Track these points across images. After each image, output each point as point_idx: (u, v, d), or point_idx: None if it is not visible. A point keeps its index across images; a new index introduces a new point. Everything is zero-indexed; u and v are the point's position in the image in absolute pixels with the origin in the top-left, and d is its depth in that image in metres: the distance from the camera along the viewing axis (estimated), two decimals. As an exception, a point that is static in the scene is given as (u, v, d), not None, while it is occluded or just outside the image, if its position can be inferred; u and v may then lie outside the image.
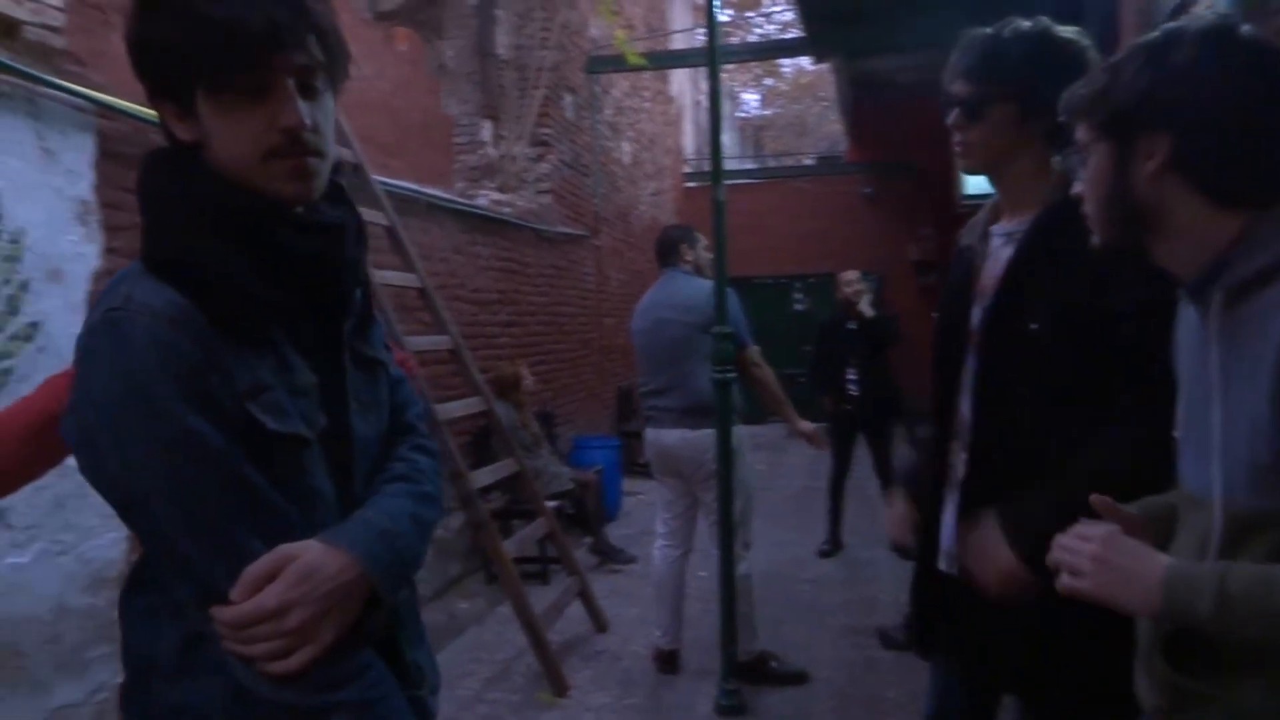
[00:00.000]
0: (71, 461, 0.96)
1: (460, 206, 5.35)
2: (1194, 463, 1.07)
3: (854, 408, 5.19)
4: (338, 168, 1.04)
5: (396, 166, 4.92)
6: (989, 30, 1.45)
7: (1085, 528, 1.06)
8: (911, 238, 10.59)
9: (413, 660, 1.10)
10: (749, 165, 18.94)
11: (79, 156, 2.61)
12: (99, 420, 0.88)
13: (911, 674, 3.27)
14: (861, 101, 9.72)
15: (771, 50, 11.37)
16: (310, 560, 0.90)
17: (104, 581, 2.59)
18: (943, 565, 1.61)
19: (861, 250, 10.47)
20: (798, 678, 3.50)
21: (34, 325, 2.44)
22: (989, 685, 1.63)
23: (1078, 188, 1.12)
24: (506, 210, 6.13)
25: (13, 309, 2.40)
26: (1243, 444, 0.97)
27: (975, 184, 7.15)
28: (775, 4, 18.71)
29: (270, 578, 0.89)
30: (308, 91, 0.94)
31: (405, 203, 4.54)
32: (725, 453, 3.10)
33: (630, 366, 3.74)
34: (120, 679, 1.02)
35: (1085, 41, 1.42)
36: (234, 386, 0.90)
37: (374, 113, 4.82)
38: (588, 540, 5.37)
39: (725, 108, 18.96)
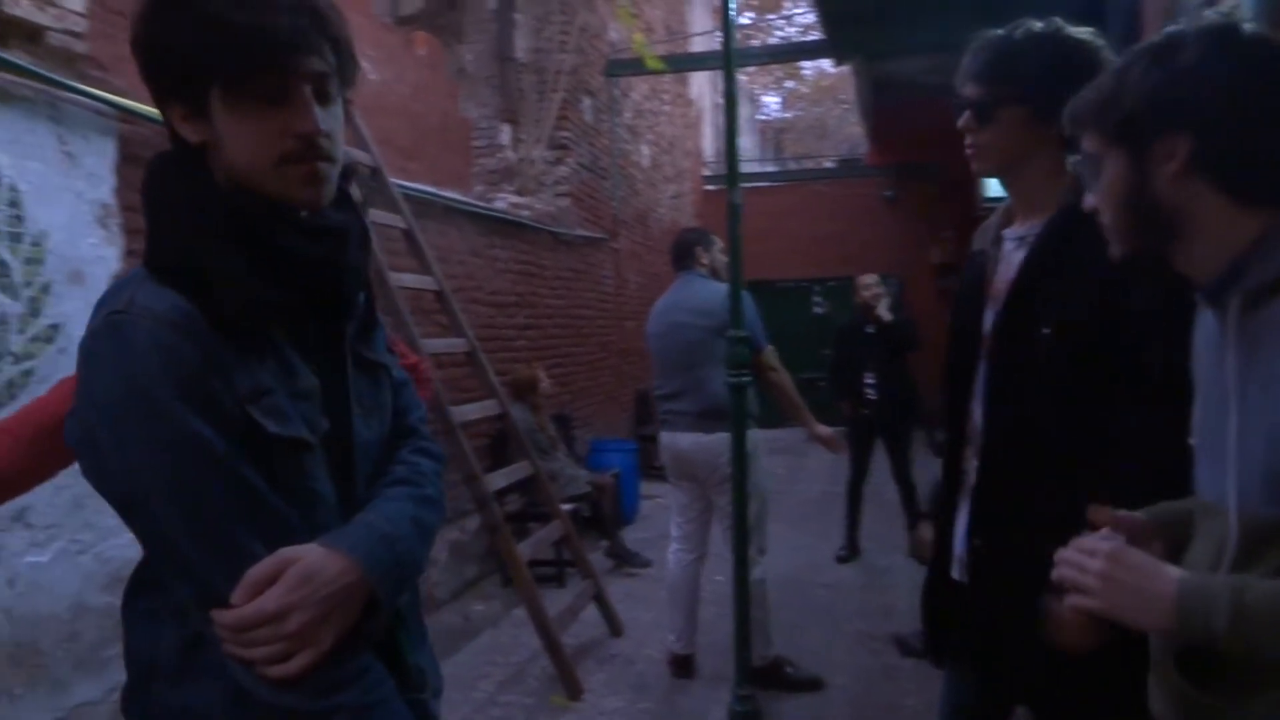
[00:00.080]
0: (85, 462, 0.97)
1: (478, 209, 5.38)
2: (1210, 471, 1.05)
3: (872, 412, 5.16)
4: (344, 173, 1.04)
5: (415, 170, 4.95)
6: (1001, 32, 1.43)
7: (1089, 542, 1.03)
8: (932, 240, 10.51)
9: (414, 663, 1.10)
10: (769, 168, 18.90)
11: (100, 160, 2.64)
12: (100, 422, 0.89)
13: (928, 682, 3.23)
14: (882, 104, 9.66)
15: (790, 53, 11.36)
16: (310, 564, 0.90)
17: (122, 581, 2.58)
18: (955, 573, 1.59)
19: (881, 253, 10.41)
20: (813, 684, 3.48)
21: (55, 327, 2.48)
22: (1001, 695, 1.61)
23: (1089, 200, 1.09)
24: (524, 213, 6.14)
25: (34, 311, 2.44)
26: (1259, 452, 0.95)
27: (997, 186, 7.08)
28: (796, 6, 18.66)
29: (270, 581, 0.89)
30: (321, 98, 0.95)
31: (423, 206, 4.56)
32: (740, 457, 3.08)
33: (648, 370, 3.74)
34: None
35: (1099, 42, 1.39)
36: (235, 390, 0.90)
37: (393, 116, 4.85)
38: (604, 543, 5.37)
39: (745, 110, 18.96)
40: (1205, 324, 1.08)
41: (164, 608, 0.97)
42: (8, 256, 2.36)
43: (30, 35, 2.51)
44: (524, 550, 3.69)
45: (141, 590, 1.00)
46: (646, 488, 6.91)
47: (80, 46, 2.62)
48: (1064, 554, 1.05)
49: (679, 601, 3.59)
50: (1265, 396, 0.94)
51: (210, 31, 0.88)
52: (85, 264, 2.58)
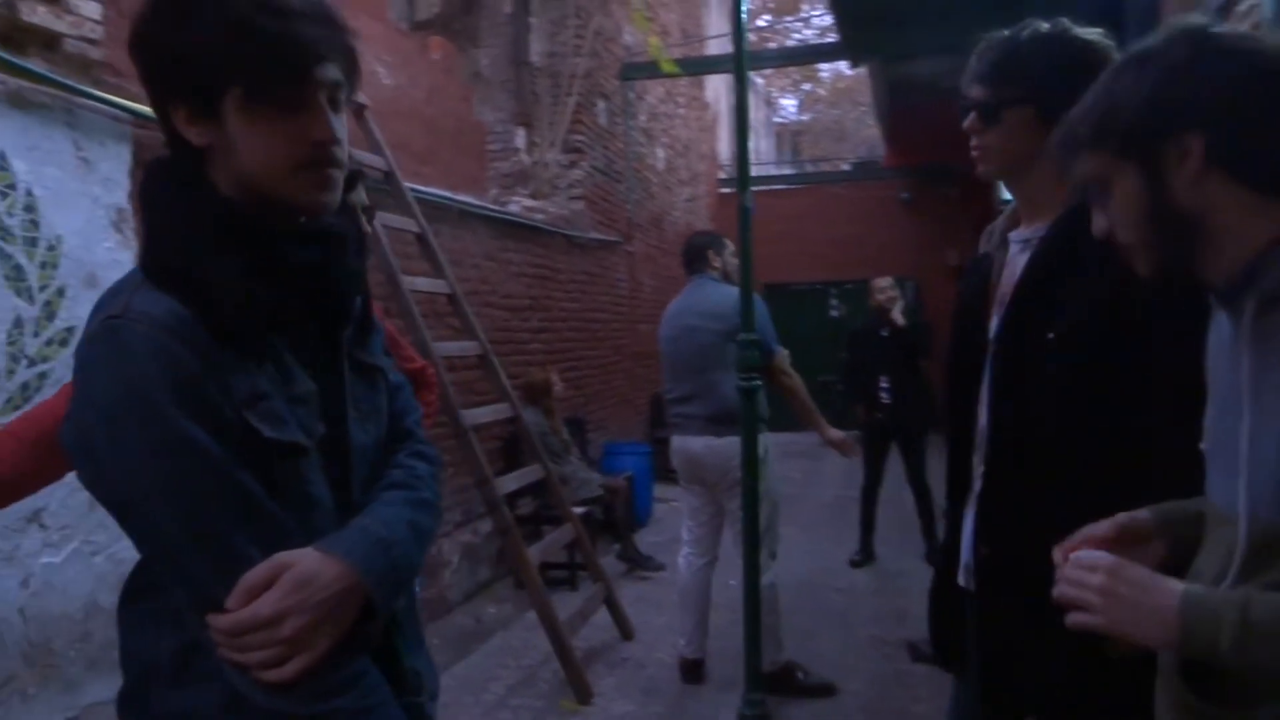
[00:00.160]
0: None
1: (492, 213, 5.40)
2: (1221, 476, 1.03)
3: (887, 416, 5.13)
4: (349, 179, 1.05)
5: (429, 174, 4.97)
6: (1007, 33, 1.42)
7: (1089, 557, 1.02)
8: (949, 243, 10.44)
9: (411, 666, 1.10)
10: (786, 171, 18.84)
11: (115, 165, 2.67)
12: (97, 427, 0.89)
13: (941, 688, 3.18)
14: (898, 106, 9.61)
15: (805, 55, 11.33)
16: (306, 568, 0.91)
17: (135, 582, 2.64)
18: (961, 579, 1.58)
19: (898, 256, 10.37)
20: (824, 690, 3.46)
21: (69, 330, 2.51)
22: (1008, 703, 1.59)
23: (1099, 225, 1.06)
24: (539, 216, 6.16)
25: (49, 314, 2.47)
26: (1271, 457, 0.93)
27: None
28: (814, 9, 18.62)
29: (266, 586, 0.89)
30: (333, 105, 0.96)
31: (437, 209, 4.58)
32: (750, 461, 3.07)
33: (662, 373, 3.75)
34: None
35: (1107, 43, 1.37)
36: (232, 395, 0.90)
37: (407, 120, 4.88)
38: (616, 547, 5.36)
39: (762, 113, 18.92)
40: (1220, 327, 1.06)
41: (161, 612, 0.97)
42: (24, 261, 2.39)
43: (47, 43, 2.54)
44: (534, 553, 3.70)
45: (138, 594, 1.01)
46: (660, 491, 6.90)
47: (96, 53, 2.65)
48: (1064, 571, 1.04)
49: (690, 606, 3.58)
50: (1278, 401, 0.92)
51: (237, 37, 0.89)
52: (100, 268, 2.61)
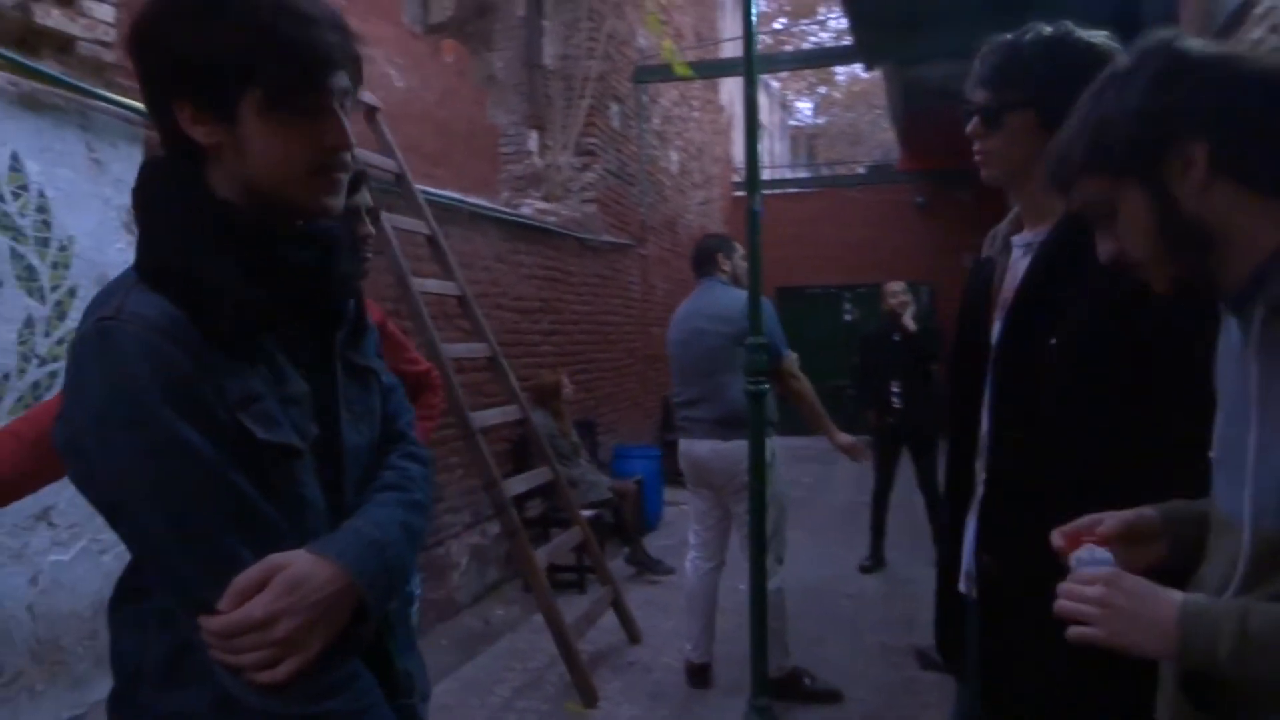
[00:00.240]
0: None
1: (503, 215, 5.41)
2: (1228, 485, 1.02)
3: (897, 421, 5.10)
4: (352, 181, 1.06)
5: (442, 176, 4.99)
6: (1009, 36, 1.41)
7: (1087, 571, 1.02)
8: (963, 247, 10.37)
9: (403, 668, 1.10)
10: (802, 174, 18.80)
11: (127, 166, 2.69)
12: (89, 427, 0.89)
13: (949, 696, 3.18)
14: (913, 109, 9.56)
15: (818, 58, 11.27)
16: (298, 570, 0.91)
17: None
18: (962, 586, 1.57)
19: (912, 260, 10.32)
20: (831, 696, 3.44)
21: (80, 330, 2.53)
22: (1009, 709, 1.57)
23: (1106, 251, 1.04)
24: (550, 219, 6.17)
25: (60, 314, 2.49)
26: (1277, 467, 0.92)
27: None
28: (831, 12, 18.56)
29: (258, 587, 0.89)
30: (342, 112, 0.98)
31: (448, 212, 4.59)
32: (757, 465, 3.06)
33: (674, 376, 3.77)
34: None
35: (1111, 45, 1.36)
36: (225, 396, 0.90)
37: (420, 123, 4.90)
38: (626, 550, 5.36)
39: (778, 116, 18.88)
40: (1229, 334, 1.05)
41: (151, 613, 0.97)
42: (35, 261, 2.42)
43: (61, 45, 2.57)
44: (542, 556, 3.70)
45: (129, 596, 1.01)
46: (670, 494, 6.89)
47: (109, 55, 2.68)
48: (1063, 586, 1.03)
49: (696, 610, 3.57)
50: None
51: (260, 40, 0.90)
52: (111, 269, 2.63)
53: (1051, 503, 1.37)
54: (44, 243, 2.44)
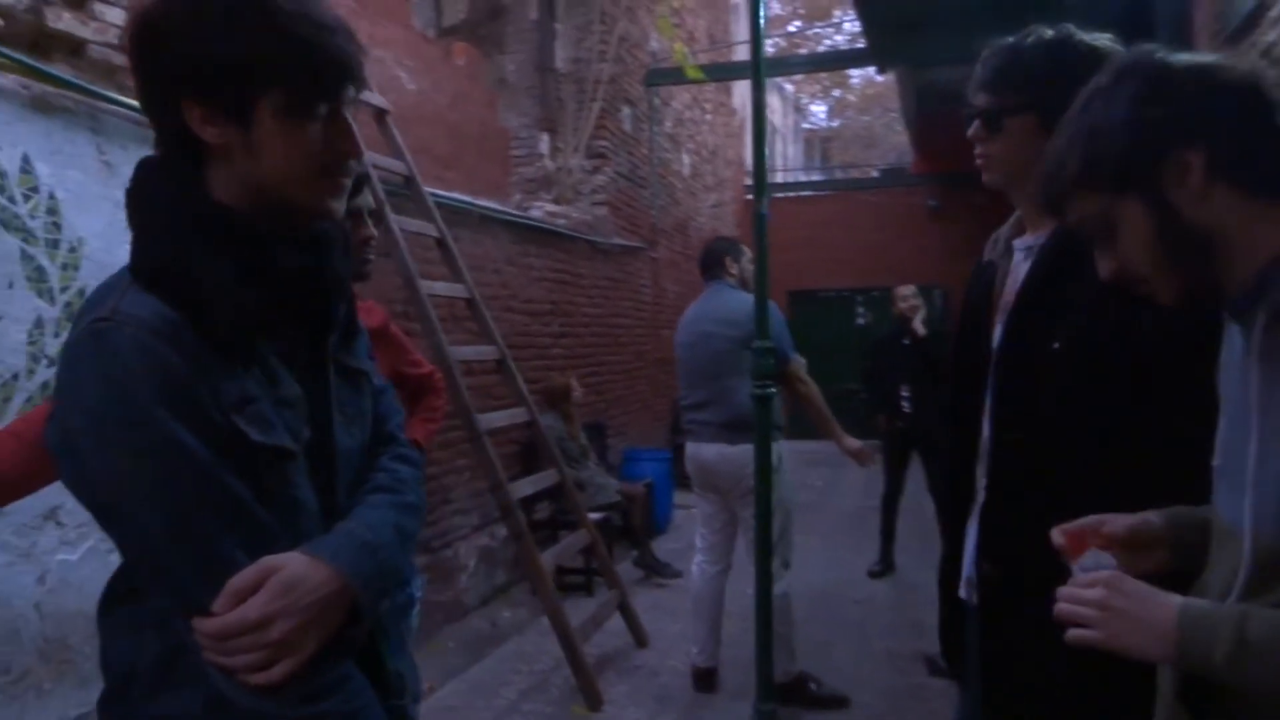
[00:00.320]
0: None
1: (513, 218, 5.42)
2: (1229, 493, 1.01)
3: (907, 425, 5.07)
4: (355, 183, 1.06)
5: (452, 179, 5.00)
6: (1010, 40, 1.40)
7: (1086, 574, 1.02)
8: (976, 251, 10.23)
9: (394, 669, 1.10)
10: (816, 177, 18.75)
11: (137, 169, 2.71)
12: (83, 429, 0.88)
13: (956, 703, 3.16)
14: (927, 112, 9.54)
15: (830, 61, 11.23)
16: (293, 572, 0.91)
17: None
18: (962, 593, 1.56)
19: (925, 263, 10.26)
20: (837, 702, 3.42)
21: (89, 331, 2.55)
22: (1009, 714, 1.56)
23: (1106, 269, 1.04)
24: (561, 222, 6.18)
25: (70, 315, 2.51)
26: (1278, 474, 0.91)
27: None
28: (846, 14, 18.51)
29: (253, 589, 0.89)
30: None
31: (457, 214, 4.61)
32: (763, 469, 3.05)
33: (683, 379, 3.77)
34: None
35: (1113, 48, 1.35)
36: (220, 398, 0.90)
37: (431, 125, 4.91)
38: (634, 553, 5.35)
39: (792, 119, 18.83)
40: (1232, 340, 1.04)
41: (143, 616, 0.97)
42: (45, 262, 2.44)
43: (72, 49, 2.59)
44: (548, 559, 3.70)
45: (120, 599, 1.01)
46: (680, 497, 6.88)
47: (120, 59, 2.70)
48: (1063, 590, 1.03)
49: (702, 614, 3.57)
50: None
51: (281, 44, 0.90)
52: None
53: (1053, 507, 1.36)
54: (54, 244, 2.47)
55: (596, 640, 3.93)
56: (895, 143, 19.24)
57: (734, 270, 3.65)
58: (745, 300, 3.41)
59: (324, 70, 0.93)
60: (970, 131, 1.44)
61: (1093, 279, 1.29)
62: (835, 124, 23.58)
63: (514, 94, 6.66)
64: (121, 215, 2.79)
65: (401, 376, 2.35)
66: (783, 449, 3.30)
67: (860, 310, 11.50)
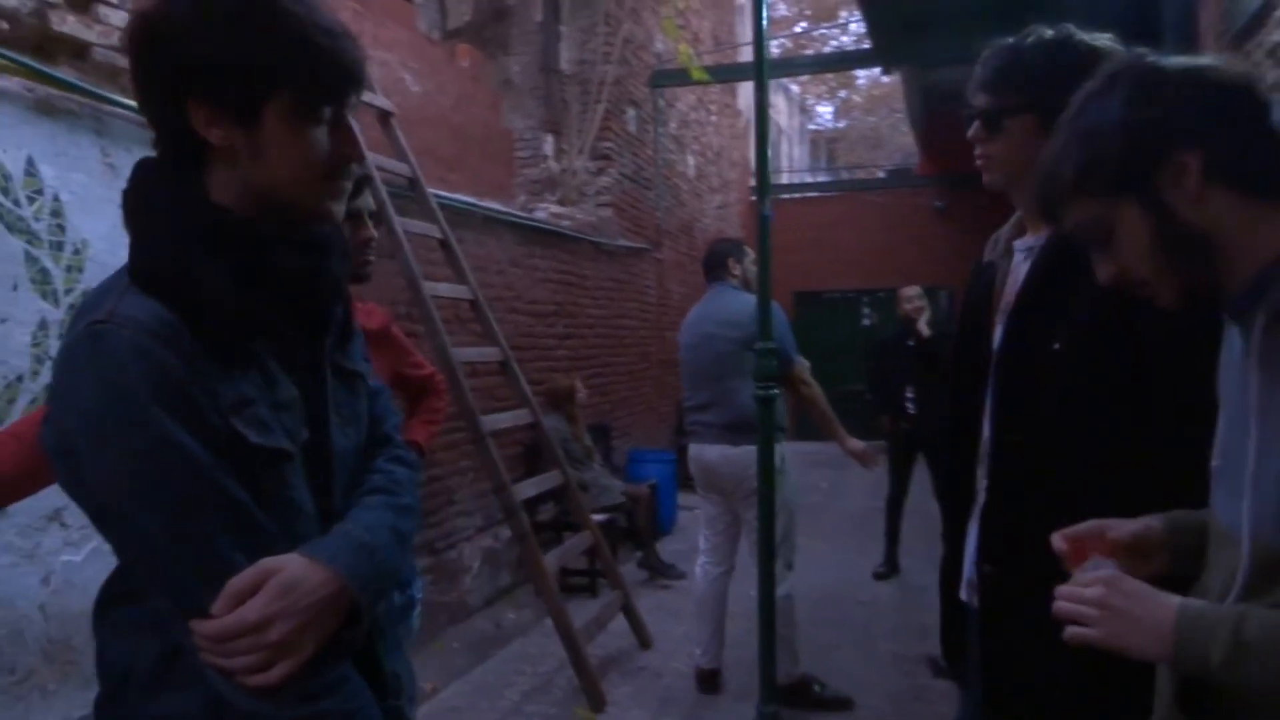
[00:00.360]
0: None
1: (517, 219, 5.42)
2: (1227, 496, 1.01)
3: (912, 427, 5.06)
4: (357, 185, 1.08)
5: (456, 180, 5.01)
6: (1010, 40, 1.39)
7: (1086, 573, 1.02)
8: (983, 251, 10.29)
9: (391, 670, 1.10)
10: (821, 178, 18.73)
11: (141, 172, 2.72)
12: (81, 431, 0.88)
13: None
14: (932, 113, 9.52)
15: (835, 61, 11.21)
16: (292, 574, 0.91)
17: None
18: (963, 595, 1.55)
19: (931, 264, 10.24)
20: (841, 704, 3.41)
21: (93, 333, 2.56)
22: (1009, 716, 1.56)
23: (1105, 273, 1.03)
24: (565, 223, 6.18)
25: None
26: (1276, 477, 0.91)
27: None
28: (853, 15, 18.48)
29: (252, 591, 0.89)
30: None
31: (461, 216, 4.61)
32: (766, 470, 3.04)
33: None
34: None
35: (1113, 48, 1.34)
36: (219, 400, 0.91)
37: (435, 127, 4.92)
38: (639, 555, 5.35)
39: (797, 120, 18.80)
40: (1231, 342, 1.04)
41: (140, 618, 0.97)
42: (50, 264, 2.45)
43: (77, 52, 2.60)
44: (552, 560, 3.70)
45: (116, 602, 1.01)
46: (685, 499, 6.87)
47: (125, 61, 2.71)
48: (1062, 589, 1.02)
49: (706, 615, 3.56)
50: None
51: (295, 48, 0.91)
52: (125, 272, 2.66)
53: (1053, 508, 1.36)
54: (58, 246, 2.48)
55: (600, 641, 3.93)
56: (901, 143, 19.20)
57: (737, 271, 3.64)
58: (748, 301, 3.41)
59: (331, 74, 0.94)
60: (970, 132, 1.43)
61: (1093, 280, 1.28)
62: (841, 125, 23.55)
63: (518, 96, 6.67)
64: (125, 217, 2.78)
65: (403, 378, 2.36)
66: (785, 450, 3.29)
67: (866, 311, 11.49)
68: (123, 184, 1.03)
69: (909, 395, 5.06)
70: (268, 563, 0.91)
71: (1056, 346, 1.35)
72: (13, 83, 2.36)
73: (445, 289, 3.84)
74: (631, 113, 7.44)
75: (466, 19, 6.56)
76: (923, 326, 5.04)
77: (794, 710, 3.30)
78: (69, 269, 2.50)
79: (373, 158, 3.56)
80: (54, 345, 2.46)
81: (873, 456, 3.70)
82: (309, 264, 1.01)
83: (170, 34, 0.91)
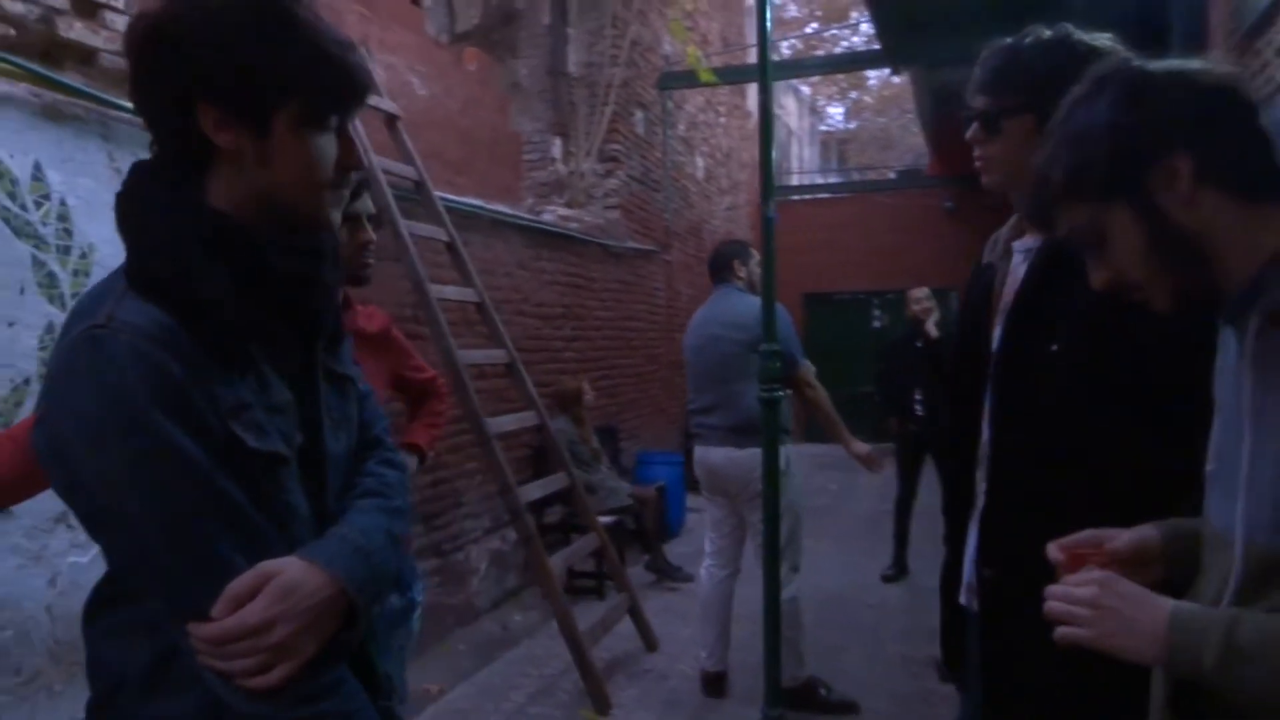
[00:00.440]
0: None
1: (524, 222, 5.43)
2: (1221, 500, 1.00)
3: (920, 429, 5.04)
4: (356, 188, 1.09)
5: (464, 183, 5.03)
6: (1008, 41, 1.39)
7: (1080, 574, 1.01)
8: (995, 253, 10.24)
9: (384, 671, 1.11)
10: (832, 179, 18.70)
11: (148, 176, 2.74)
12: (78, 435, 0.88)
13: (967, 709, 3.13)
14: (942, 113, 9.47)
15: (843, 62, 11.17)
16: (291, 577, 0.91)
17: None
18: (962, 598, 1.55)
19: (942, 265, 10.18)
20: (847, 707, 3.40)
21: (100, 336, 2.57)
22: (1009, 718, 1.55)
23: (1099, 278, 1.03)
24: (573, 226, 6.18)
25: (81, 320, 2.54)
26: (1269, 481, 0.91)
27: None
28: (863, 15, 18.43)
29: (252, 594, 0.89)
30: None
31: (469, 219, 4.62)
32: (771, 473, 3.04)
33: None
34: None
35: (1113, 48, 1.33)
36: (217, 405, 0.91)
37: (442, 130, 4.94)
38: (646, 557, 5.35)
39: (808, 121, 18.77)
40: (1226, 344, 1.03)
41: (134, 622, 0.97)
42: (57, 269, 2.47)
43: (84, 58, 2.62)
44: (558, 562, 3.70)
45: (108, 606, 1.00)
46: (693, 501, 6.85)
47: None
48: (1054, 588, 1.02)
49: (711, 618, 3.55)
50: (1279, 422, 0.90)
51: (309, 57, 0.93)
52: (131, 275, 2.68)
53: (1053, 510, 1.35)
54: (65, 250, 2.49)
55: (606, 644, 3.92)
56: (912, 144, 19.14)
57: (742, 273, 3.64)
58: (753, 303, 3.40)
59: (342, 85, 0.96)
60: (969, 133, 1.43)
61: (1090, 282, 1.28)
62: (852, 126, 23.49)
63: (526, 98, 6.69)
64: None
65: (404, 381, 2.36)
66: (791, 452, 3.28)
67: (876, 313, 11.46)
68: (128, 189, 1.03)
69: (917, 397, 5.04)
70: (267, 566, 0.91)
71: (1054, 348, 1.34)
72: (20, 88, 2.38)
73: (452, 292, 3.84)
74: (640, 115, 7.45)
75: (475, 22, 6.58)
76: (931, 328, 5.01)
77: (799, 713, 3.29)
78: (76, 273, 2.52)
79: (379, 161, 3.57)
80: (61, 348, 2.48)
81: (878, 460, 3.68)
82: (304, 269, 1.01)
83: (180, 36, 0.91)
